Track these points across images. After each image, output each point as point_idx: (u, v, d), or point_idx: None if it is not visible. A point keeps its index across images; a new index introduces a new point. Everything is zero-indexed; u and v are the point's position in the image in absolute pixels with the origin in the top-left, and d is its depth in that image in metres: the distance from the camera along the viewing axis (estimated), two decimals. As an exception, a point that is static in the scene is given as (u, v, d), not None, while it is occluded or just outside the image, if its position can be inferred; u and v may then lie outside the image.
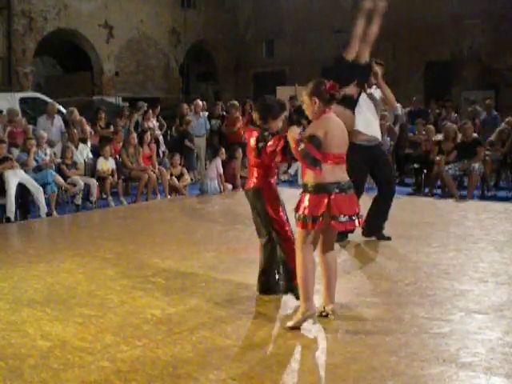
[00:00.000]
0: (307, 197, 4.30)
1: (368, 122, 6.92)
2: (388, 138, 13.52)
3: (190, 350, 4.01)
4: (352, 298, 5.06)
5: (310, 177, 4.30)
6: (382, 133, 7.23)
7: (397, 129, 14.32)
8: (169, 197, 11.30)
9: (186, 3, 25.17)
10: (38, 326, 4.53)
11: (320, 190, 4.25)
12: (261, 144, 4.91)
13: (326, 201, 4.22)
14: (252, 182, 5.03)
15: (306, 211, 4.25)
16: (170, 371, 3.69)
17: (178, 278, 5.74)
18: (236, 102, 14.04)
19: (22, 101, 15.26)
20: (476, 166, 10.56)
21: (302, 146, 4.21)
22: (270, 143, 4.82)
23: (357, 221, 4.36)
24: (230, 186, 11.79)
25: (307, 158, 4.22)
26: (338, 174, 4.30)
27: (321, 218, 4.22)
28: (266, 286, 5.11)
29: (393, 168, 7.52)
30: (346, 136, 4.48)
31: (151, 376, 3.62)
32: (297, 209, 4.35)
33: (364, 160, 6.86)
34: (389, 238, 7.14)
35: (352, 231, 6.18)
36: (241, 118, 13.16)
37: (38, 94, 16.87)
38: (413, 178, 12.26)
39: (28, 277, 5.89)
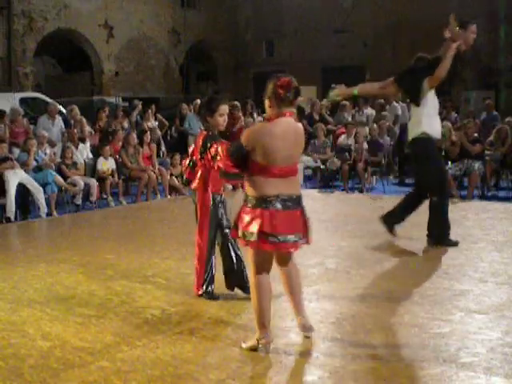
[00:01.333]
0: (245, 210, 3.84)
1: (432, 119, 6.91)
2: (388, 138, 13.54)
3: (190, 349, 4.01)
4: (352, 297, 5.06)
5: (249, 188, 3.84)
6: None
7: (397, 129, 14.34)
8: (169, 197, 11.30)
9: (185, 3, 25.19)
10: (38, 326, 4.52)
11: (258, 204, 3.77)
12: (202, 149, 4.71)
13: (261, 217, 3.73)
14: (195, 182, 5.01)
15: (248, 227, 3.79)
16: (170, 371, 3.68)
17: (177, 277, 5.73)
18: (237, 103, 14.05)
19: (22, 101, 15.29)
20: (476, 165, 10.57)
21: (220, 164, 3.98)
22: (212, 148, 4.52)
23: (299, 242, 3.85)
24: (230, 186, 11.78)
25: (225, 176, 4.01)
26: (282, 186, 3.77)
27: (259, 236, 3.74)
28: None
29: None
30: (298, 146, 3.92)
31: (151, 376, 3.62)
32: (237, 223, 3.90)
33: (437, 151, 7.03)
34: (456, 244, 6.90)
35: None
36: (242, 118, 13.18)
37: (38, 94, 16.92)
38: (413, 178, 12.25)
39: (28, 277, 5.89)
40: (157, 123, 13.82)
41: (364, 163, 12.02)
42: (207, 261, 5.02)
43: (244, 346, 3.97)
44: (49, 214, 9.55)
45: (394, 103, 15.00)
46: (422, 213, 7.59)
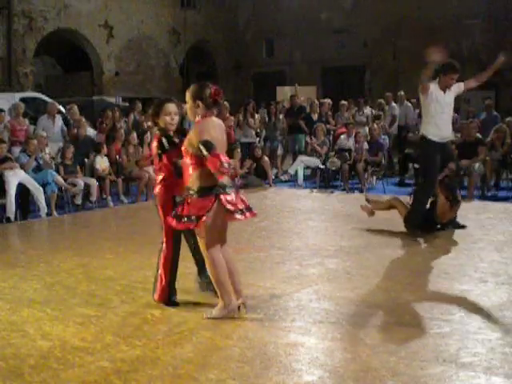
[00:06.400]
0: (194, 200, 4.33)
1: (444, 121, 7.49)
2: (386, 138, 13.56)
3: (190, 350, 4.01)
4: (352, 297, 5.06)
5: (195, 180, 4.36)
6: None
7: (394, 129, 14.36)
8: (169, 197, 11.27)
9: (185, 3, 25.18)
10: (38, 326, 4.52)
11: (207, 192, 4.32)
12: (159, 151, 4.79)
13: (214, 202, 4.32)
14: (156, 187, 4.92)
15: (201, 212, 4.33)
16: (170, 371, 3.68)
17: (177, 278, 5.72)
18: (225, 103, 14.12)
19: (22, 101, 15.24)
20: (476, 165, 10.56)
21: (205, 152, 4.18)
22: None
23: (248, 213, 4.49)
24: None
25: (215, 164, 4.22)
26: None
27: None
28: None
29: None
30: (225, 138, 4.53)
31: (151, 376, 3.62)
32: (186, 211, 4.36)
33: (437, 155, 7.39)
34: (463, 227, 7.66)
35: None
36: (232, 118, 13.29)
37: (38, 94, 16.88)
38: (413, 178, 12.26)
39: (28, 277, 5.89)
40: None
41: (364, 163, 12.02)
42: (174, 268, 4.93)
43: (209, 315, 4.49)
44: (49, 214, 9.55)
45: (393, 103, 15.00)
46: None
